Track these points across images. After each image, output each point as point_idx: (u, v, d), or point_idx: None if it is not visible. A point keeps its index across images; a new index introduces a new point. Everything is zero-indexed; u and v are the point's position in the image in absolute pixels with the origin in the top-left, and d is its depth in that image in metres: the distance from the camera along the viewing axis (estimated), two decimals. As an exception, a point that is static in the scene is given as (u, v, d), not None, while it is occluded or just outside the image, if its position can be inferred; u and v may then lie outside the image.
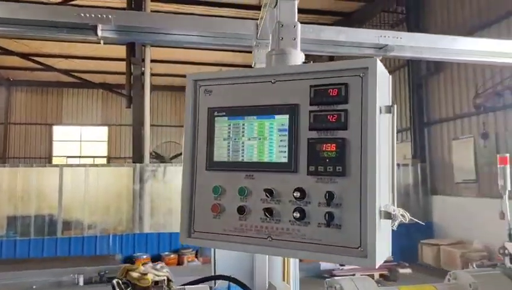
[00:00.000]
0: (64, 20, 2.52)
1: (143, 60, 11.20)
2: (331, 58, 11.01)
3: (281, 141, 1.23)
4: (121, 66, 12.80)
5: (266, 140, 1.25)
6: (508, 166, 2.67)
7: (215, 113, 1.33)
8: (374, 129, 1.11)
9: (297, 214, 1.17)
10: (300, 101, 1.22)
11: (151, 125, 12.02)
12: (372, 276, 6.50)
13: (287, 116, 1.22)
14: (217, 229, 1.30)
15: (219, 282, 2.21)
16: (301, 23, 1.47)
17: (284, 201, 1.21)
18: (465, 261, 8.89)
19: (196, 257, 10.26)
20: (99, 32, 2.50)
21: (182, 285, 1.88)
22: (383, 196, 1.15)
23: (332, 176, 1.15)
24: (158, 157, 13.98)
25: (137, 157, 11.04)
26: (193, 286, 1.82)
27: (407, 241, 9.38)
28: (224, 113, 1.31)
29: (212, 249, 2.54)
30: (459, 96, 10.63)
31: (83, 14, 2.51)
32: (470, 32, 9.57)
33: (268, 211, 1.22)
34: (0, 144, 19.42)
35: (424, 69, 11.57)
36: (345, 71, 1.17)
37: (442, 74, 11.17)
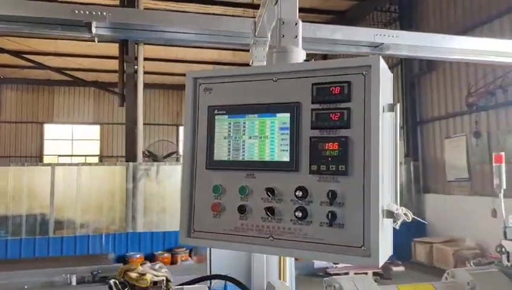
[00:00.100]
0: (57, 17, 2.47)
1: (136, 58, 11.14)
2: (325, 57, 11.02)
3: (282, 139, 1.21)
4: (114, 64, 12.72)
5: (267, 139, 1.23)
6: (503, 164, 2.68)
7: (216, 112, 1.31)
8: (378, 128, 1.10)
9: (299, 213, 1.16)
10: (302, 99, 1.20)
11: (144, 124, 11.97)
12: (365, 274, 6.52)
13: (288, 115, 1.21)
14: (217, 228, 1.28)
15: (214, 282, 2.20)
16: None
17: (286, 200, 1.20)
18: (458, 259, 8.96)
19: (190, 256, 10.23)
20: (94, 30, 2.46)
21: (180, 285, 1.86)
22: (386, 194, 1.14)
23: (335, 175, 1.14)
24: (151, 156, 13.91)
25: (130, 156, 10.98)
26: (191, 286, 1.81)
27: (400, 240, 9.40)
28: (224, 112, 1.30)
29: (208, 248, 2.52)
30: (451, 95, 10.70)
31: (76, 11, 2.47)
32: (462, 31, 9.63)
33: (270, 210, 1.20)
34: (-10, 142, 19.23)
35: (416, 68, 11.63)
36: (347, 69, 1.16)
37: (434, 72, 11.24)
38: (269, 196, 1.21)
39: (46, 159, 19.63)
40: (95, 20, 2.45)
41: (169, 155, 15.15)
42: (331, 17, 14.23)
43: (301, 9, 1.42)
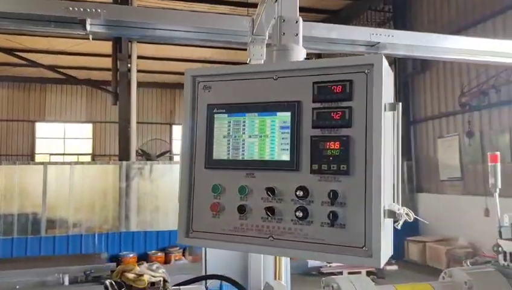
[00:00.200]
0: (51, 14, 2.44)
1: (129, 56, 11.07)
2: (319, 56, 11.03)
3: (282, 138, 1.20)
4: (106, 62, 12.62)
5: (268, 138, 1.22)
6: (499, 164, 2.68)
7: (215, 110, 1.29)
8: (380, 127, 1.09)
9: (299, 213, 1.15)
10: (303, 98, 1.19)
11: (137, 122, 11.90)
12: (359, 273, 6.54)
13: (289, 114, 1.20)
14: (216, 228, 1.27)
15: (210, 281, 2.18)
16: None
17: (286, 200, 1.18)
18: (451, 258, 9.02)
19: (183, 256, 10.20)
20: (88, 27, 2.43)
21: (176, 285, 1.84)
22: (387, 194, 1.13)
23: (336, 174, 1.13)
24: (144, 155, 13.85)
25: (124, 154, 10.92)
26: (188, 286, 1.79)
27: (393, 238, 9.45)
28: (224, 110, 1.28)
29: (203, 248, 2.50)
30: (444, 94, 10.76)
31: (71, 8, 2.43)
32: (456, 31, 9.68)
33: (270, 210, 1.19)
34: (-19, 141, 19.01)
35: (410, 68, 11.67)
36: (349, 67, 1.15)
37: (428, 72, 11.29)
38: (269, 196, 1.19)
39: (37, 158, 19.43)
40: (89, 17, 2.42)
41: (162, 154, 15.10)
42: (325, 16, 14.24)
43: (295, 8, 1.41)
